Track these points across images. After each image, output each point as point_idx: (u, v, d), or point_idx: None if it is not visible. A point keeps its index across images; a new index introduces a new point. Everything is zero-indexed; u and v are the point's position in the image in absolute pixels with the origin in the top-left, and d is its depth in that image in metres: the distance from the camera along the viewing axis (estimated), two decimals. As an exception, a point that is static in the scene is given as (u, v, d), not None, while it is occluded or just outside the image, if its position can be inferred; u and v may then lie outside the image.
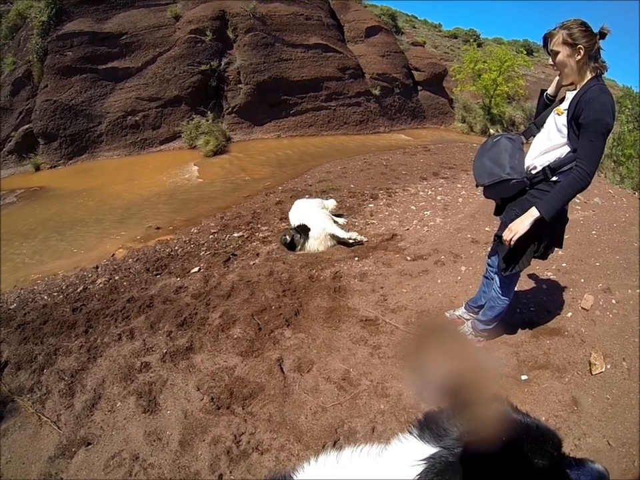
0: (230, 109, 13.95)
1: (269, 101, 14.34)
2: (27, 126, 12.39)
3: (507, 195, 2.49)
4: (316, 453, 2.27)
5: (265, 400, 2.70)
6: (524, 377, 2.72)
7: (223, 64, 13.91)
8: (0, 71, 13.32)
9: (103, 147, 12.67)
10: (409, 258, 4.58)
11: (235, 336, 3.38)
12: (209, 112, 13.35)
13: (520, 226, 2.26)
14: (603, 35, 2.13)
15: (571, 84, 2.27)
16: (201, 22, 13.84)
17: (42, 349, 3.45)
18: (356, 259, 4.70)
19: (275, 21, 14.98)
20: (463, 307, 3.28)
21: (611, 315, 3.14)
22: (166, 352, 3.25)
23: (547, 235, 2.39)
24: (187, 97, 13.38)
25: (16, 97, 12.74)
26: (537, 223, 2.24)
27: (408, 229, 5.51)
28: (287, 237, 5.08)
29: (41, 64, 12.53)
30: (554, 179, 2.30)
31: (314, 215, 5.21)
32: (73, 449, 2.51)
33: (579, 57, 2.14)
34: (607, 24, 2.12)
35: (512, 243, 2.30)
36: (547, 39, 2.25)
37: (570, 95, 2.25)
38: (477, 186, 2.59)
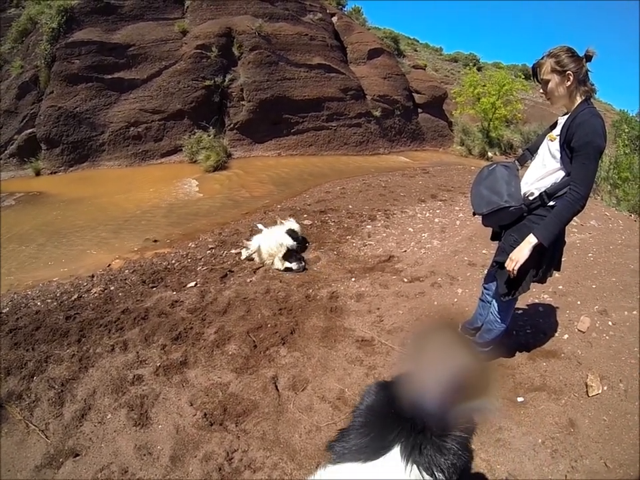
0: (232, 125, 14.07)
1: (270, 118, 14.48)
2: (30, 130, 12.45)
3: (506, 222, 2.52)
4: (309, 472, 2.27)
5: (259, 417, 2.68)
6: (520, 399, 2.73)
7: (226, 80, 14.08)
8: (7, 73, 13.44)
9: (104, 156, 12.72)
10: (405, 280, 4.59)
11: (230, 352, 3.36)
12: (210, 127, 13.45)
13: (520, 255, 2.29)
14: (589, 57, 2.19)
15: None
16: (207, 38, 14.06)
17: (33, 356, 3.40)
18: (353, 279, 4.70)
19: (279, 40, 15.22)
20: (459, 329, 3.28)
21: (607, 337, 3.16)
22: (159, 365, 3.22)
23: (546, 260, 2.41)
24: (190, 111, 13.50)
25: (21, 101, 12.83)
26: (536, 249, 2.27)
27: (405, 251, 5.53)
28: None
29: (48, 70, 12.66)
30: (551, 203, 2.34)
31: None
32: (61, 459, 2.46)
33: (569, 83, 2.20)
34: (591, 46, 2.18)
35: (515, 272, 2.32)
36: (535, 68, 2.32)
37: (561, 120, 2.31)
38: (474, 215, 2.62)
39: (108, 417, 2.76)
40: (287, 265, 5.03)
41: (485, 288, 3.00)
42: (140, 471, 2.35)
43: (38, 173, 12.08)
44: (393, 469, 1.13)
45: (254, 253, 5.21)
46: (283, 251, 5.07)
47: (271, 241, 5.14)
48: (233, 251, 5.75)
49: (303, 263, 5.11)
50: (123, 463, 2.41)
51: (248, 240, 5.62)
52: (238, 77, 14.19)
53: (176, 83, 13.49)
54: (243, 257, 5.14)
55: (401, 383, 1.28)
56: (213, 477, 2.29)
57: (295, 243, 5.26)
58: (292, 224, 5.87)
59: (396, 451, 1.14)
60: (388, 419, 1.22)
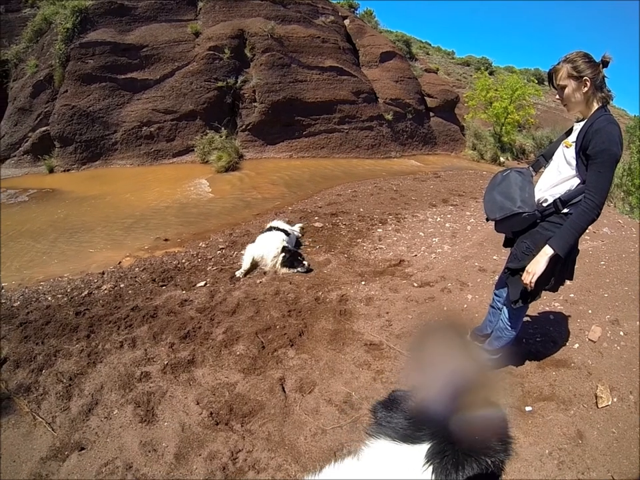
0: (244, 127, 14.10)
1: (282, 120, 14.48)
2: (44, 128, 12.60)
3: (519, 228, 2.48)
4: (313, 475, 2.25)
5: (265, 418, 2.67)
6: (528, 408, 2.70)
7: (239, 82, 14.11)
8: (22, 72, 13.62)
9: (116, 154, 12.83)
10: (415, 284, 4.56)
11: (238, 353, 3.36)
12: (222, 128, 13.47)
13: (537, 267, 2.26)
14: (605, 63, 2.16)
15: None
16: (220, 39, 14.12)
17: (42, 349, 3.44)
18: (363, 282, 4.69)
19: (292, 43, 15.24)
20: (468, 336, 3.25)
21: (618, 347, 3.12)
22: (167, 363, 3.24)
23: (559, 269, 2.38)
24: (202, 111, 13.55)
25: (36, 99, 12.98)
26: (552, 259, 2.24)
27: (416, 255, 5.50)
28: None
29: (63, 69, 12.80)
30: (565, 210, 2.31)
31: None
32: (66, 452, 2.48)
33: (586, 89, 2.17)
34: (607, 52, 2.16)
35: (532, 284, 2.29)
36: (551, 74, 2.29)
37: (578, 127, 2.27)
38: (487, 220, 2.59)
39: (114, 413, 2.78)
40: (293, 270, 5.04)
41: (495, 294, 2.97)
42: (144, 467, 2.36)
43: (51, 170, 12.23)
44: (413, 460, 1.15)
45: (248, 270, 5.18)
46: (280, 259, 5.09)
47: (267, 254, 5.17)
48: (244, 252, 5.75)
49: (306, 263, 5.08)
50: (127, 458, 2.43)
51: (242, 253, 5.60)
52: (250, 78, 14.23)
53: (188, 83, 13.56)
54: (238, 275, 5.05)
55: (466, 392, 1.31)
56: (217, 476, 2.29)
57: (284, 242, 5.25)
58: (278, 224, 5.95)
59: (424, 447, 1.17)
60: (436, 415, 1.23)
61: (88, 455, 2.46)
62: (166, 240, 6.73)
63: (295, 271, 5.01)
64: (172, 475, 2.32)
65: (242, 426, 2.64)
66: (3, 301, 4.54)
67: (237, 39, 14.43)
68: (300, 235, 6.36)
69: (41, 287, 4.92)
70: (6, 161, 12.69)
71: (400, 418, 1.27)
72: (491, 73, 27.00)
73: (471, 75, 27.87)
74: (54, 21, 13.53)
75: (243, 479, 2.29)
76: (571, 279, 2.58)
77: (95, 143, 12.64)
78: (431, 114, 18.82)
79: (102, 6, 13.56)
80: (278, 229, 5.63)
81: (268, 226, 5.98)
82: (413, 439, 1.19)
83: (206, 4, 15.25)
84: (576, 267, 2.54)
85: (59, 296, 4.64)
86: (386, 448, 1.22)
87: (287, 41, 15.14)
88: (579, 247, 2.50)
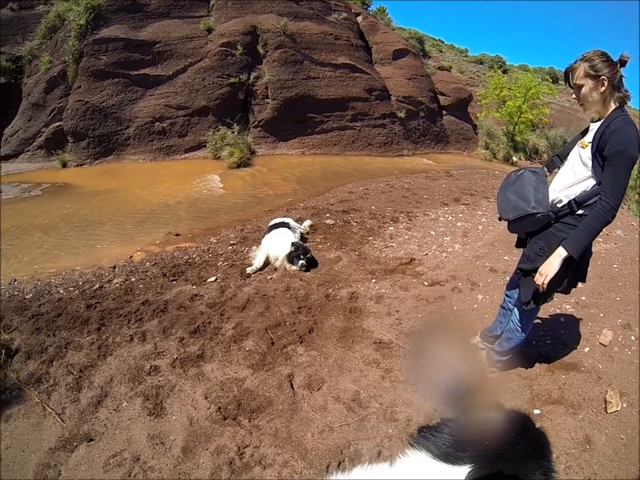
0: (256, 123, 14.13)
1: (294, 117, 14.49)
2: (57, 123, 12.76)
3: (532, 228, 2.45)
4: (319, 472, 2.25)
5: (273, 414, 2.67)
6: (537, 411, 2.67)
7: (251, 78, 14.15)
8: (36, 68, 13.77)
9: (129, 150, 12.94)
10: (426, 283, 4.54)
11: (247, 348, 3.36)
12: (235, 124, 13.52)
13: (550, 268, 2.23)
14: (623, 62, 2.12)
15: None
16: (232, 36, 14.15)
17: (53, 341, 3.46)
18: (373, 280, 4.67)
19: (304, 39, 15.22)
20: (478, 336, 3.22)
21: (629, 352, 3.08)
22: (176, 357, 3.24)
23: (572, 270, 2.34)
24: (215, 107, 13.61)
25: (49, 95, 13.14)
26: (565, 261, 2.21)
27: (427, 254, 5.47)
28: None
29: (76, 65, 12.94)
30: (580, 212, 2.27)
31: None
32: (75, 443, 2.50)
33: (603, 88, 2.13)
34: (626, 51, 2.11)
35: (544, 286, 2.26)
36: (568, 73, 2.25)
37: (594, 127, 2.23)
38: (500, 220, 2.56)
39: (123, 405, 2.80)
40: (293, 267, 5.03)
41: (506, 295, 2.94)
42: (151, 460, 2.37)
43: (64, 165, 12.40)
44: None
45: (259, 268, 5.18)
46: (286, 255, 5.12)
47: (278, 253, 5.18)
48: (255, 248, 5.76)
49: (302, 262, 4.99)
50: (135, 450, 2.44)
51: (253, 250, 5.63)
52: (263, 74, 14.24)
53: (201, 79, 13.62)
54: (249, 272, 5.04)
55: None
56: (224, 471, 2.29)
57: (295, 238, 5.29)
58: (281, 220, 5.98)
59: (464, 470, 1.13)
60: (481, 439, 1.22)
61: (96, 446, 2.48)
62: (177, 235, 6.75)
63: (295, 268, 5.00)
64: (179, 468, 2.32)
65: (249, 421, 2.64)
66: (16, 293, 4.59)
67: (250, 35, 14.45)
68: (309, 230, 6.39)
69: (52, 280, 4.97)
70: (20, 155, 12.88)
71: (445, 434, 1.26)
72: (504, 72, 26.72)
73: (484, 73, 27.61)
74: (67, 17, 13.67)
75: (249, 474, 2.28)
76: (583, 281, 2.54)
77: (108, 138, 12.77)
78: (444, 112, 18.71)
79: (115, 2, 13.68)
80: (282, 224, 5.65)
81: (270, 224, 5.99)
82: (454, 458, 1.17)
83: (218, 0, 15.30)
84: (589, 269, 2.51)
85: (71, 289, 4.68)
86: (424, 462, 1.19)
87: (300, 38, 15.12)
88: (591, 249, 2.47)
